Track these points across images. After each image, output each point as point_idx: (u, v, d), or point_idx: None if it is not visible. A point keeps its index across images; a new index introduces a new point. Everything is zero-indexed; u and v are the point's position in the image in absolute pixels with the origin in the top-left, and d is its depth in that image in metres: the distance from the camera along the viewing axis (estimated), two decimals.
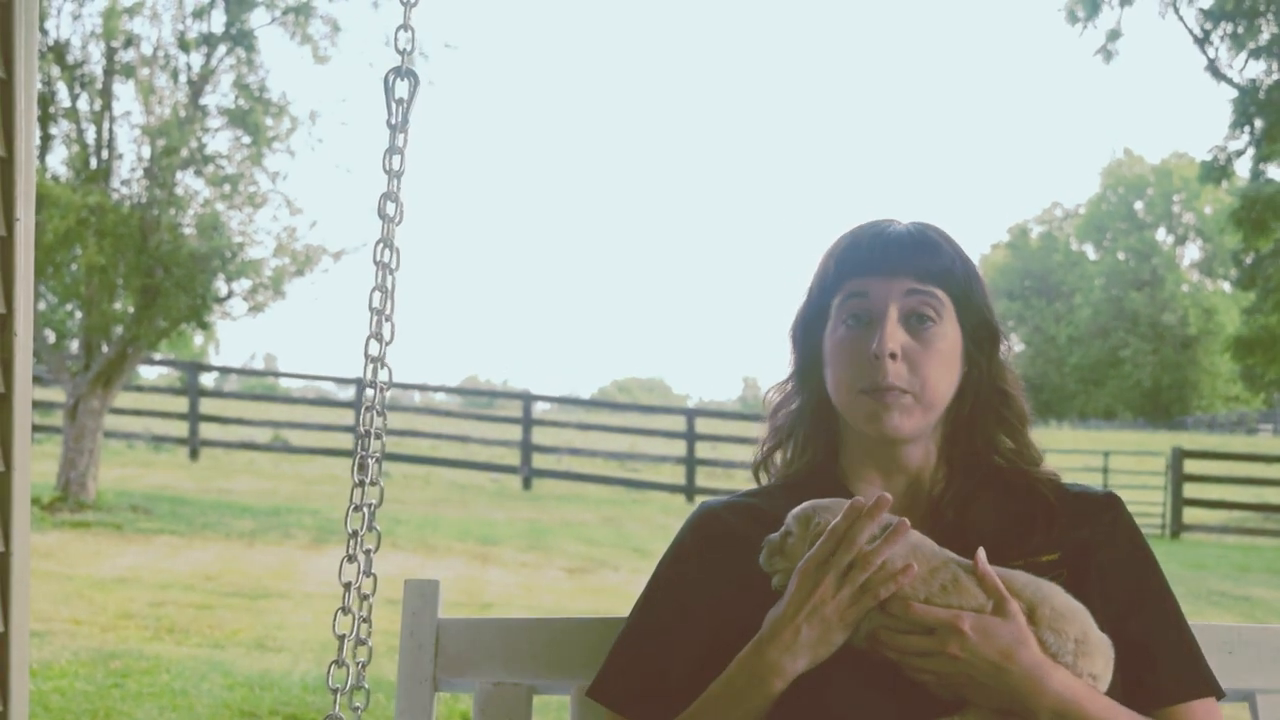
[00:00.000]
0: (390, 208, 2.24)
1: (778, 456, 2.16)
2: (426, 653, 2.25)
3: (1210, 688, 1.96)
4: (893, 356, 1.95)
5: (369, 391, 2.21)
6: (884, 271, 1.99)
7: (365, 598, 2.18)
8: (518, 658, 2.24)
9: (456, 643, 2.26)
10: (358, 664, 2.17)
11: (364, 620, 2.17)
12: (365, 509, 2.19)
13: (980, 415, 2.05)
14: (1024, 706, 1.79)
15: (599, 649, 2.13)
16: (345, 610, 2.16)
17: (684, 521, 2.12)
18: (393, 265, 2.23)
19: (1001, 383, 2.06)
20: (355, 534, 2.17)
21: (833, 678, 1.85)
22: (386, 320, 2.22)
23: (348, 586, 2.16)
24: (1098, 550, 1.99)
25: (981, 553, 1.85)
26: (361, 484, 2.18)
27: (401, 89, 2.25)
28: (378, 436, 2.21)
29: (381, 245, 2.23)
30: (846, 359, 1.99)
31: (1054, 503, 2.03)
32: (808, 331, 2.09)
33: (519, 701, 2.23)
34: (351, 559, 2.17)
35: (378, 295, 2.22)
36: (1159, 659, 1.94)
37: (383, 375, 2.22)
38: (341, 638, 2.15)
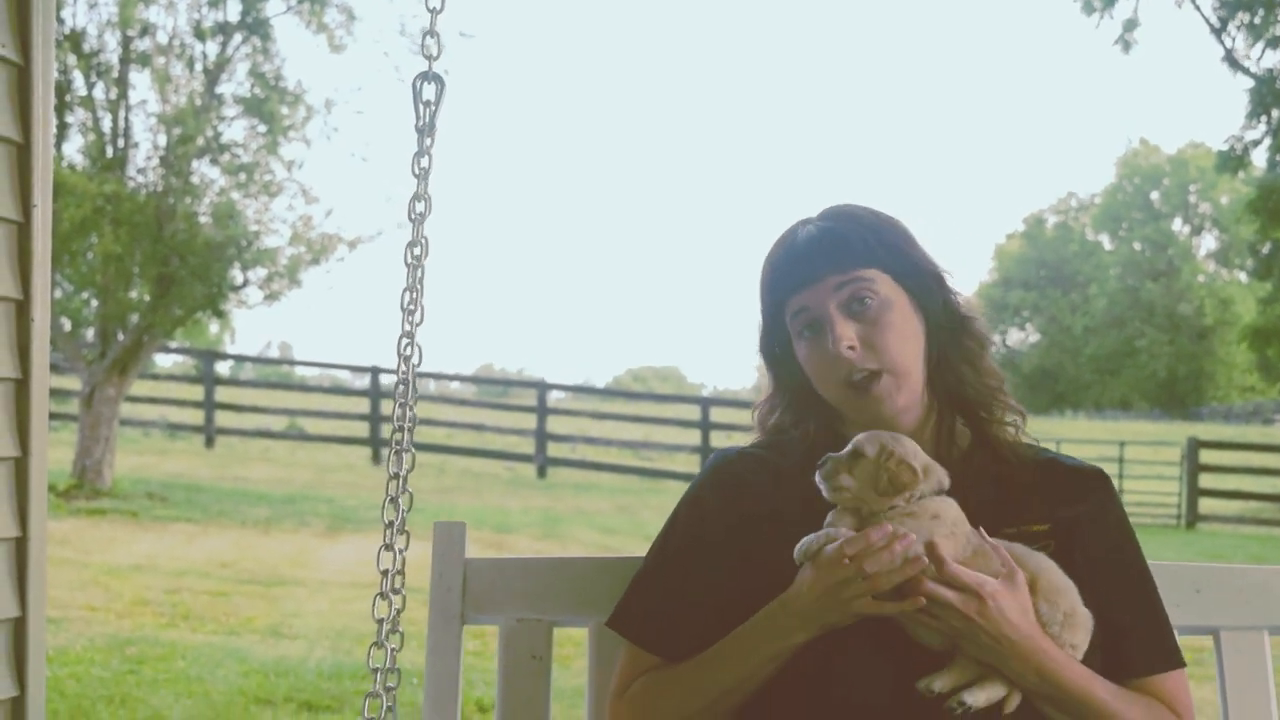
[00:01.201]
0: (420, 207, 2.34)
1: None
2: (454, 591, 2.36)
3: (1178, 661, 2.09)
4: (851, 349, 2.05)
5: (400, 387, 2.31)
6: (808, 282, 2.10)
7: (401, 546, 2.28)
8: (539, 595, 2.37)
9: (482, 581, 2.37)
10: (393, 610, 2.26)
11: (399, 573, 2.27)
12: (400, 498, 2.28)
13: (947, 348, 2.14)
14: (1011, 669, 1.91)
15: (615, 587, 2.24)
16: (384, 595, 2.26)
17: (701, 467, 2.25)
18: (422, 262, 2.33)
19: (959, 310, 2.16)
20: (391, 524, 2.28)
21: (841, 647, 1.95)
22: (413, 314, 2.33)
23: (385, 573, 2.26)
24: (1086, 526, 2.09)
25: (982, 530, 1.96)
26: (396, 477, 2.28)
27: (429, 92, 2.34)
28: (411, 428, 2.31)
29: (412, 245, 2.33)
30: (818, 364, 2.10)
31: (1044, 475, 2.14)
32: (774, 346, 2.21)
33: (540, 635, 2.35)
34: (388, 547, 2.27)
35: (409, 295, 2.32)
36: (1134, 634, 2.06)
37: (414, 360, 2.32)
38: (380, 621, 2.25)
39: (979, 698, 1.91)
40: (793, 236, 2.15)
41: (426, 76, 2.34)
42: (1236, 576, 2.40)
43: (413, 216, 2.33)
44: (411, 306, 2.31)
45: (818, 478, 1.98)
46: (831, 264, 2.08)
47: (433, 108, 2.33)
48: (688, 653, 2.06)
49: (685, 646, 2.07)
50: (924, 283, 2.12)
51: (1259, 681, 2.35)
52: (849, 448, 1.98)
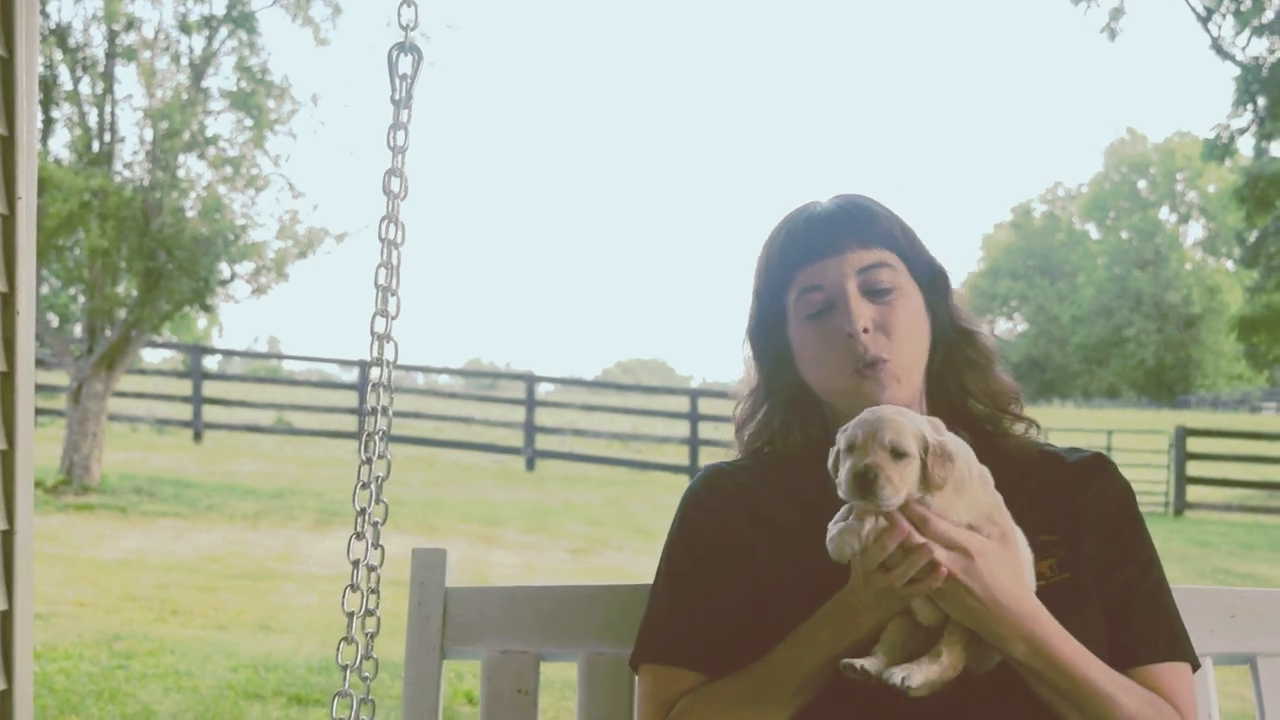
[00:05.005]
0: (395, 183, 2.22)
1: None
2: (434, 621, 2.26)
3: (1180, 653, 1.98)
4: (865, 330, 1.97)
5: (375, 370, 2.20)
6: (829, 252, 2.01)
7: (373, 569, 2.18)
8: (524, 625, 2.26)
9: (464, 611, 2.26)
10: (366, 635, 2.18)
11: (373, 591, 2.18)
12: (373, 485, 2.18)
13: (950, 359, 2.09)
14: (998, 633, 1.80)
15: (605, 615, 2.17)
16: (354, 587, 2.17)
17: (692, 482, 2.13)
18: (398, 241, 2.22)
19: (961, 321, 2.10)
20: (363, 511, 2.17)
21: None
22: (392, 295, 2.21)
23: (356, 564, 2.16)
24: (1090, 517, 2.01)
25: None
26: (369, 461, 2.18)
27: (405, 64, 2.24)
28: (384, 414, 2.20)
29: (387, 221, 2.22)
30: (821, 347, 2.01)
31: (1046, 476, 2.05)
32: (768, 333, 2.10)
33: (526, 669, 2.24)
34: (360, 536, 2.16)
35: (383, 272, 2.21)
36: (1134, 620, 1.96)
37: (388, 351, 2.21)
38: (350, 615, 2.16)
39: (915, 678, 1.77)
40: (811, 208, 2.07)
41: (403, 48, 2.23)
42: (1275, 600, 2.26)
43: (387, 192, 2.21)
44: (385, 284, 2.19)
45: (851, 492, 1.77)
46: (856, 237, 2.01)
47: (409, 80, 2.22)
48: (728, 662, 1.95)
49: (722, 657, 1.96)
50: (935, 283, 2.07)
51: None
52: (873, 451, 1.77)
